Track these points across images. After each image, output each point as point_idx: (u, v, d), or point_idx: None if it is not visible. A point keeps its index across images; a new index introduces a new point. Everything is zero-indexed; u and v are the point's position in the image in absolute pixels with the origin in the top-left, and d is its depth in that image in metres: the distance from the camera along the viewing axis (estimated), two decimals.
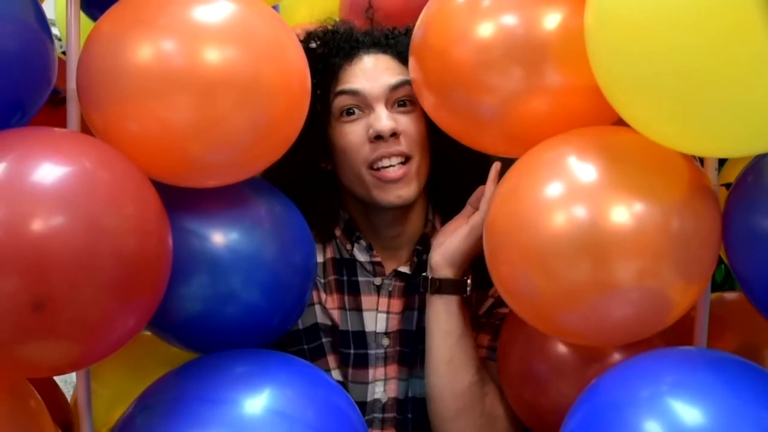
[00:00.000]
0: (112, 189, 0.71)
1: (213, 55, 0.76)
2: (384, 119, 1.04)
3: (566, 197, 0.75)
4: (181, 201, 0.84)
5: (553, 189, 0.76)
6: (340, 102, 1.08)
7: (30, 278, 0.65)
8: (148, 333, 0.92)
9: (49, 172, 0.68)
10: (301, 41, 1.07)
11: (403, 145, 1.06)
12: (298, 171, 1.08)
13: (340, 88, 1.08)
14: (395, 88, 1.06)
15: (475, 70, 0.84)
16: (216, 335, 0.88)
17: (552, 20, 0.81)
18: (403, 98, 1.07)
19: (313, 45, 1.12)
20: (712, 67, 0.61)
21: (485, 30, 0.83)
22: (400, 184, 1.06)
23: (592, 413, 0.74)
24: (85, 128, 0.83)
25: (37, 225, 0.65)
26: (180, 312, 0.85)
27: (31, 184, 0.67)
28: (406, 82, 1.04)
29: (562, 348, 0.91)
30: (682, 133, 0.69)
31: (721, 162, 0.88)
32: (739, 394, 0.69)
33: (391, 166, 1.05)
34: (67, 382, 1.07)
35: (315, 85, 1.02)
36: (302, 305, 0.96)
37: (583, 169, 0.75)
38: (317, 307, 1.13)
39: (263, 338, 0.92)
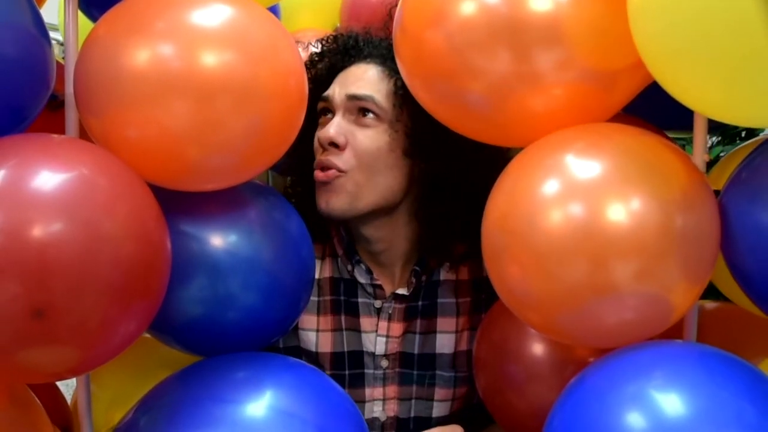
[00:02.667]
0: (110, 195, 0.72)
1: (209, 59, 0.76)
2: (330, 127, 1.04)
3: (566, 196, 0.74)
4: (180, 204, 0.84)
5: (551, 187, 0.74)
6: (319, 105, 1.10)
7: (30, 285, 0.65)
8: (147, 335, 0.92)
9: (47, 179, 0.68)
10: (308, 62, 1.13)
11: (343, 159, 1.03)
12: (300, 170, 1.09)
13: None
14: (353, 99, 1.05)
15: (457, 53, 0.78)
16: (214, 337, 0.88)
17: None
18: (364, 109, 1.05)
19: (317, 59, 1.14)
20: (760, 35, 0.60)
21: (467, 8, 0.77)
22: (327, 188, 1.04)
23: (577, 406, 0.74)
24: (84, 133, 0.84)
25: (37, 232, 0.65)
26: (178, 315, 0.85)
27: (30, 191, 0.67)
28: (369, 98, 1.03)
29: (537, 350, 0.91)
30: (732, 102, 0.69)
31: (708, 167, 0.87)
32: (723, 387, 0.69)
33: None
34: (68, 386, 1.07)
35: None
36: (300, 308, 0.96)
37: (582, 168, 0.74)
38: (300, 333, 1.11)
39: (261, 340, 0.92)
